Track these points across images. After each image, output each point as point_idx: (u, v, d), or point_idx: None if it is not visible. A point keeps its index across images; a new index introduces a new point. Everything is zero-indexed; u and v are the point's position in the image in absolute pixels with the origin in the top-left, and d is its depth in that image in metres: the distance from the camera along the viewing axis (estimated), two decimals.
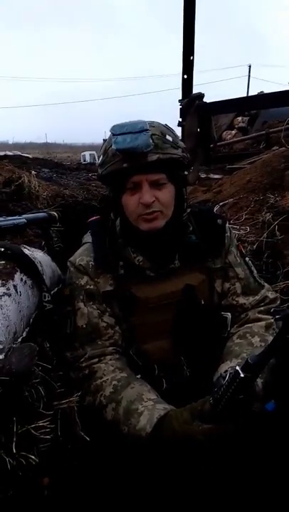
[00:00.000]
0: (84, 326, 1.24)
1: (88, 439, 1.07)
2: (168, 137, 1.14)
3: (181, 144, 1.20)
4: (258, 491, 1.05)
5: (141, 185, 1.14)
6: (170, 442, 1.00)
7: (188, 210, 1.32)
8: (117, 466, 1.09)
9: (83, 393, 1.18)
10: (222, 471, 1.01)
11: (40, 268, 1.34)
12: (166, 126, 1.18)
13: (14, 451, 0.85)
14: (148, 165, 1.11)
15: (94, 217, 1.40)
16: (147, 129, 1.08)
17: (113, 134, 1.09)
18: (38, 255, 1.42)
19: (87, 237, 1.35)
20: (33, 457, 0.87)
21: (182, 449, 0.99)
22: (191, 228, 1.29)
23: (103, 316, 1.25)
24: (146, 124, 1.09)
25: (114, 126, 1.10)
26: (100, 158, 1.19)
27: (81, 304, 1.26)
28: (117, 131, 1.08)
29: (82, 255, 1.30)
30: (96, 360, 1.21)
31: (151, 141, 1.08)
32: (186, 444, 0.98)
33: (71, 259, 1.32)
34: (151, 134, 1.09)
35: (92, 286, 1.26)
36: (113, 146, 1.09)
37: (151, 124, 1.13)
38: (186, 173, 1.25)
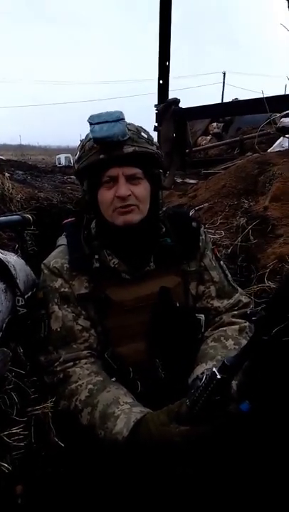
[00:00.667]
0: (58, 329, 1.23)
1: (63, 445, 1.05)
2: (143, 134, 1.17)
3: (156, 142, 1.22)
4: (235, 491, 1.05)
5: (117, 178, 1.15)
6: (147, 445, 1.00)
7: (164, 209, 1.33)
8: (92, 472, 1.07)
9: (58, 398, 1.16)
10: (199, 472, 1.01)
11: (13, 272, 1.32)
12: (140, 127, 1.21)
13: None
14: (124, 157, 1.13)
15: (68, 220, 1.39)
16: (123, 118, 1.12)
17: (90, 124, 1.10)
18: (11, 259, 1.39)
19: (62, 240, 1.34)
20: (5, 465, 0.85)
21: (159, 452, 0.98)
22: (164, 230, 1.30)
23: (78, 319, 1.24)
24: (122, 114, 1.12)
25: (91, 116, 1.11)
26: (77, 154, 1.20)
27: (55, 307, 1.24)
28: (95, 120, 1.10)
29: (56, 257, 1.28)
30: (71, 364, 1.20)
31: (127, 130, 1.11)
32: (164, 446, 0.98)
33: (45, 261, 1.30)
34: (127, 125, 1.12)
35: (66, 289, 1.25)
36: (90, 135, 1.11)
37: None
38: (160, 171, 1.26)
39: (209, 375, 0.93)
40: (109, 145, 1.11)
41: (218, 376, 0.91)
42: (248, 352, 0.91)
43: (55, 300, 1.24)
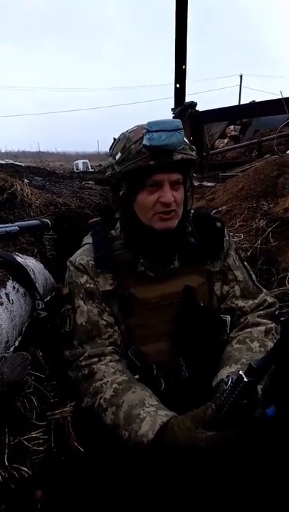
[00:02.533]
0: (84, 323, 1.23)
1: (82, 450, 1.05)
2: (185, 139, 1.17)
3: (193, 147, 1.23)
4: (260, 497, 1.03)
5: (162, 184, 1.15)
6: (172, 450, 0.98)
7: (192, 211, 1.33)
8: (113, 477, 1.06)
9: (81, 394, 1.16)
10: (227, 478, 0.99)
11: (32, 276, 1.33)
12: None
13: (6, 463, 0.83)
14: (172, 164, 1.13)
15: (94, 220, 1.40)
16: (181, 128, 1.12)
17: (148, 131, 1.10)
18: (30, 263, 1.40)
19: (88, 239, 1.35)
20: (25, 469, 0.84)
21: (185, 457, 0.97)
22: (189, 229, 1.30)
23: (103, 315, 1.24)
24: (180, 123, 1.13)
25: (149, 123, 1.11)
26: (118, 156, 1.18)
27: (81, 302, 1.25)
28: (153, 127, 1.10)
29: (82, 255, 1.29)
30: (96, 359, 1.19)
31: (183, 140, 1.12)
32: (189, 451, 0.96)
33: (71, 258, 1.31)
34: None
35: (92, 285, 1.25)
36: (146, 142, 1.10)
37: None
38: (194, 175, 1.26)
39: (236, 378, 0.90)
40: (161, 152, 1.11)
41: (245, 379, 0.88)
42: (275, 354, 0.88)
43: (81, 295, 1.25)
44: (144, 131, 1.10)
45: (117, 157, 1.17)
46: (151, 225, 1.19)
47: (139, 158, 1.12)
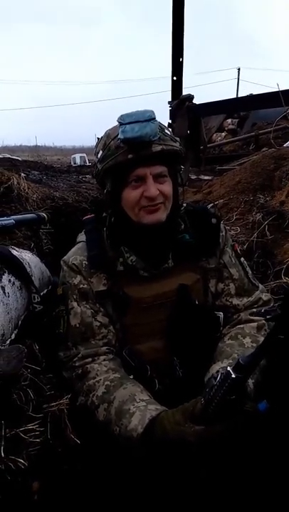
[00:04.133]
0: (77, 325, 1.23)
1: (79, 442, 1.05)
2: (166, 131, 1.16)
3: (177, 138, 1.21)
4: (252, 491, 1.04)
5: (145, 178, 1.14)
6: (162, 444, 0.99)
7: (184, 205, 1.32)
8: (108, 469, 1.07)
9: (76, 393, 1.16)
10: (214, 472, 1.00)
11: (28, 269, 1.33)
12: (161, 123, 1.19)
13: (3, 454, 0.83)
14: (152, 156, 1.11)
15: (88, 216, 1.39)
16: (154, 118, 1.10)
17: (121, 124, 1.09)
18: (26, 256, 1.40)
19: (81, 236, 1.34)
20: (22, 461, 0.85)
21: (174, 451, 0.97)
22: (183, 226, 1.29)
23: (97, 316, 1.24)
24: (154, 113, 1.11)
25: (122, 116, 1.10)
26: (100, 154, 1.17)
27: (74, 304, 1.24)
28: (126, 120, 1.09)
29: (75, 254, 1.29)
30: (90, 359, 1.20)
31: (158, 130, 1.10)
32: (178, 445, 0.96)
33: (64, 258, 1.31)
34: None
35: (85, 286, 1.25)
36: (120, 136, 1.09)
37: None
38: (182, 167, 1.25)
39: (224, 374, 0.91)
40: (138, 145, 1.09)
41: (233, 375, 0.89)
42: (263, 351, 0.89)
43: (74, 296, 1.25)
44: (118, 124, 1.10)
45: (99, 155, 1.17)
46: (140, 220, 1.18)
47: (117, 153, 1.11)
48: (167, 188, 1.17)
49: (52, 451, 0.98)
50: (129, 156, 1.10)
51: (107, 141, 1.15)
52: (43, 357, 1.19)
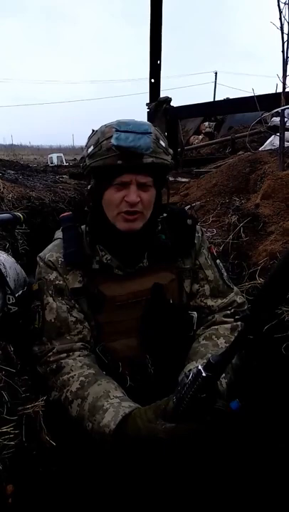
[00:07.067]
0: (53, 320, 1.23)
1: (54, 444, 1.05)
2: (161, 142, 1.16)
3: (170, 150, 1.22)
4: (222, 488, 1.06)
5: (129, 184, 1.14)
6: (134, 440, 1.00)
7: (165, 214, 1.33)
8: (83, 471, 1.07)
9: (49, 388, 1.16)
10: (186, 469, 1.01)
11: (3, 270, 1.31)
12: (160, 133, 1.19)
13: None
14: (141, 166, 1.12)
15: (66, 214, 1.38)
16: (150, 132, 1.10)
17: (116, 130, 1.09)
18: (1, 257, 1.38)
19: (58, 233, 1.34)
20: None
21: (145, 448, 0.98)
22: (160, 227, 1.30)
23: (72, 311, 1.24)
24: (151, 127, 1.12)
25: (118, 122, 1.10)
26: (91, 149, 1.16)
27: (50, 299, 1.24)
28: (122, 127, 1.09)
29: (51, 251, 1.28)
30: (64, 355, 1.20)
31: (152, 144, 1.10)
32: (149, 442, 0.97)
33: (41, 254, 1.30)
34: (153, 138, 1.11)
35: (61, 282, 1.25)
36: (113, 141, 1.08)
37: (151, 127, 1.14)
38: (168, 178, 1.27)
39: (195, 373, 0.93)
40: (129, 154, 1.09)
41: (204, 374, 0.91)
42: (233, 350, 0.91)
43: (50, 292, 1.25)
44: (114, 129, 1.10)
45: (90, 150, 1.17)
46: (115, 224, 1.19)
47: (108, 155, 1.12)
48: (148, 197, 1.18)
49: (27, 453, 0.97)
50: (118, 162, 1.11)
51: (100, 139, 1.14)
52: (17, 359, 1.17)
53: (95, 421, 1.05)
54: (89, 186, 1.22)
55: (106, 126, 1.17)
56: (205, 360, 1.15)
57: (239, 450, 1.11)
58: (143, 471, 1.02)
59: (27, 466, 0.96)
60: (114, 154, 1.10)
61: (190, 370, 0.97)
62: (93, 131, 1.22)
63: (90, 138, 1.21)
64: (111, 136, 1.10)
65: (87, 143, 1.21)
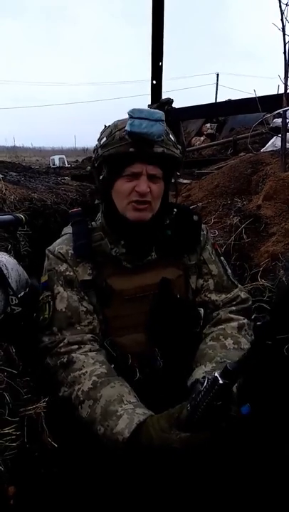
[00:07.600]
0: (63, 309, 1.22)
1: (56, 445, 1.04)
2: (171, 136, 1.19)
3: (179, 146, 1.24)
4: (235, 495, 1.04)
5: (139, 174, 1.16)
6: (147, 449, 0.98)
7: (175, 210, 1.34)
8: (86, 473, 1.06)
9: (59, 383, 1.15)
10: (200, 478, 1.00)
11: (5, 271, 1.31)
12: (168, 128, 1.21)
13: None
14: (152, 156, 1.14)
15: (75, 210, 1.39)
16: (163, 120, 1.12)
17: (130, 117, 1.10)
18: (3, 258, 1.38)
19: (67, 229, 1.35)
20: None
21: (159, 457, 0.97)
22: (167, 222, 1.31)
23: (83, 302, 1.24)
24: (163, 115, 1.13)
25: (132, 110, 1.11)
26: (103, 140, 1.19)
27: (61, 288, 1.24)
28: (136, 114, 1.10)
29: (61, 244, 1.29)
30: (75, 347, 1.18)
31: (164, 132, 1.13)
32: (163, 452, 0.96)
33: (49, 247, 1.31)
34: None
35: (71, 273, 1.25)
36: (127, 128, 1.10)
37: None
38: (178, 174, 1.29)
39: (211, 380, 0.91)
40: (142, 141, 1.11)
41: (221, 381, 0.88)
42: (251, 357, 0.88)
43: (60, 282, 1.25)
44: (128, 115, 1.11)
45: (102, 141, 1.19)
46: (125, 214, 1.20)
47: (120, 144, 1.14)
48: (157, 189, 1.19)
49: (28, 455, 0.97)
50: (131, 149, 1.12)
51: (113, 130, 1.17)
52: (19, 360, 1.17)
53: (108, 426, 1.03)
54: (101, 176, 1.23)
55: (119, 120, 1.20)
56: (214, 364, 1.15)
57: (248, 454, 1.10)
58: (154, 478, 1.00)
59: (29, 467, 0.96)
60: (127, 143, 1.13)
61: (204, 376, 0.95)
62: (105, 126, 1.25)
63: (102, 132, 1.23)
64: (123, 128, 1.13)
65: (99, 136, 1.23)
